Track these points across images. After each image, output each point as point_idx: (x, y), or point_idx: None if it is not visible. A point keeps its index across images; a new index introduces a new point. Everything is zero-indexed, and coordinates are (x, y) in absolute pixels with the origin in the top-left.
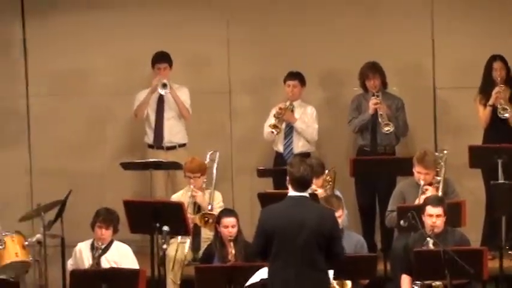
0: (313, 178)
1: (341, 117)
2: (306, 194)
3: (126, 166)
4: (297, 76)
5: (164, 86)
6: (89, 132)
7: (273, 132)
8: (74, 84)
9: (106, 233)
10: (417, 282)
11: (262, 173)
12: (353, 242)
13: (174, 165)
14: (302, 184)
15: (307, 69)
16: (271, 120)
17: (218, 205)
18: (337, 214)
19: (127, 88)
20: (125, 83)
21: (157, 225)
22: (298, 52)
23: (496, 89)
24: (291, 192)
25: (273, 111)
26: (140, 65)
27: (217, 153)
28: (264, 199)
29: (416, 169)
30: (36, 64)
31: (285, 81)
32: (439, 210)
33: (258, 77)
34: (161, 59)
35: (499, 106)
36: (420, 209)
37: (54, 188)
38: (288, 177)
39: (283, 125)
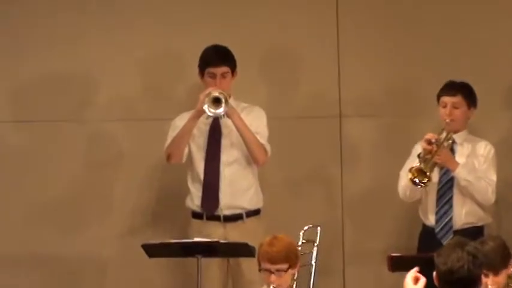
0: (480, 274)
1: None
2: None
3: (152, 250)
4: (460, 89)
5: (217, 102)
6: (82, 187)
7: (416, 183)
8: (54, 103)
9: None
10: None
11: (396, 263)
12: None
13: (240, 250)
14: (453, 285)
15: (478, 77)
16: (414, 163)
17: None
18: None
19: (152, 111)
20: (149, 102)
21: None
22: (458, 50)
23: None
24: None
25: (417, 148)
26: (176, 69)
27: (319, 229)
28: None
29: None
30: None
31: (439, 98)
32: None
33: (388, 92)
34: (217, 58)
35: None
36: None
37: None
38: (435, 274)
39: (436, 176)
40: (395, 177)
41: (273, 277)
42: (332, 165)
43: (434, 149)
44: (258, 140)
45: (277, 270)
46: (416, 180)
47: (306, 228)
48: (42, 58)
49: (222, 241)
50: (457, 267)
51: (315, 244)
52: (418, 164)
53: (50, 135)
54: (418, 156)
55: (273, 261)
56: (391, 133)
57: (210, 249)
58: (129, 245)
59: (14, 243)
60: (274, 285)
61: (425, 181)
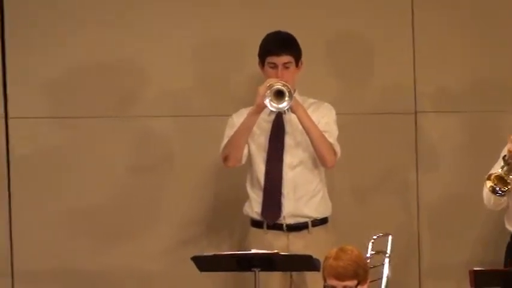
0: None
1: None
2: None
3: (204, 264)
4: None
5: (280, 95)
6: (127, 192)
7: (496, 191)
8: (96, 97)
9: None
10: None
11: (480, 279)
12: None
13: (302, 263)
14: None
15: None
16: (498, 168)
17: None
18: None
19: (207, 106)
20: (203, 96)
21: None
22: None
23: None
24: None
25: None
26: (234, 59)
27: (390, 237)
28: None
29: None
30: (21, 63)
31: None
32: None
33: (471, 83)
34: (278, 46)
35: None
36: None
37: None
38: None
39: None
40: (480, 181)
41: None
42: (407, 167)
43: None
44: (326, 139)
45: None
46: (497, 188)
47: (375, 237)
48: (83, 48)
49: (282, 253)
50: None
51: (386, 255)
52: (500, 170)
53: (90, 133)
54: (504, 158)
55: (339, 277)
56: (475, 131)
57: (269, 262)
58: (179, 258)
59: (48, 256)
60: None
61: (505, 189)
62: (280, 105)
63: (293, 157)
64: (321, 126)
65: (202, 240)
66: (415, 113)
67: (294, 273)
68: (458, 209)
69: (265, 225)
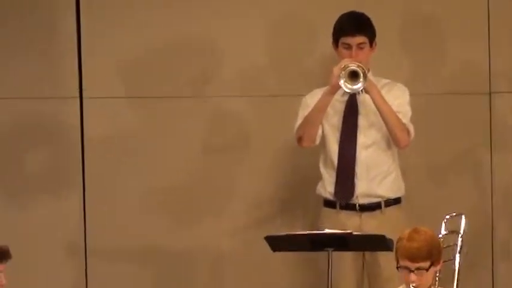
0: None
1: None
2: None
3: (277, 243)
4: None
5: (354, 76)
6: (202, 172)
7: None
8: (171, 77)
9: None
10: None
11: None
12: None
13: (375, 243)
14: None
15: None
16: None
17: None
18: None
19: (281, 86)
20: (278, 76)
21: None
22: None
23: None
24: None
25: None
26: (308, 39)
27: (463, 217)
28: None
29: None
30: (96, 43)
31: None
32: None
33: None
34: (352, 27)
35: None
36: None
37: (123, 282)
38: None
39: None
40: None
41: (412, 276)
42: (481, 148)
43: None
44: (400, 120)
45: (418, 269)
46: None
47: (448, 217)
48: (157, 27)
49: (355, 233)
50: None
51: (459, 235)
52: None
53: (165, 113)
54: None
55: (413, 259)
56: None
57: (342, 242)
58: (253, 237)
59: (121, 235)
60: (414, 285)
61: None
62: (355, 86)
63: (366, 137)
64: (395, 107)
65: (276, 220)
66: (490, 93)
67: (366, 253)
68: None
69: (338, 205)
